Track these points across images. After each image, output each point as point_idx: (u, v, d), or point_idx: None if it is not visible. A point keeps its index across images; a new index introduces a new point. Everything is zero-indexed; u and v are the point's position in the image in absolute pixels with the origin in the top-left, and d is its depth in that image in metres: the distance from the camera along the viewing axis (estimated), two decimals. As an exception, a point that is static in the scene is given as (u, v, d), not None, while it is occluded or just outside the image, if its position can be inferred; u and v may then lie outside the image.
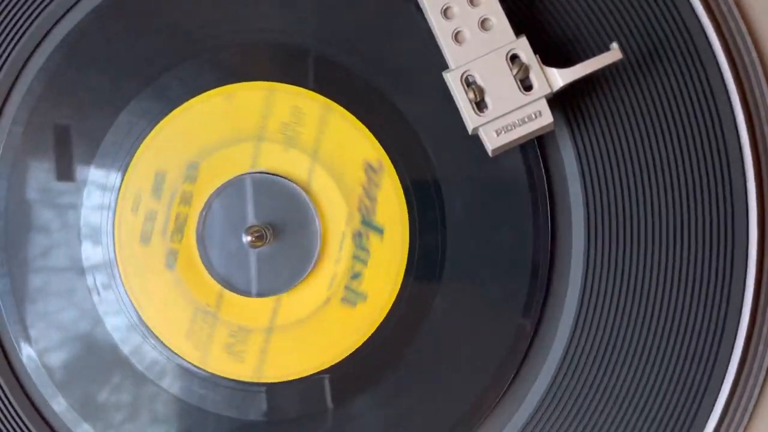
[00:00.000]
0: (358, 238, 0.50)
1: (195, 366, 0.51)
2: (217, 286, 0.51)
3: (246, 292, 0.51)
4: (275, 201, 0.51)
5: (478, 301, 0.51)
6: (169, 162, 0.51)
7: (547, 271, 0.51)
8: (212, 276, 0.51)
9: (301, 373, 0.51)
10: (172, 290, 0.51)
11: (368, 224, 0.50)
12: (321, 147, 0.51)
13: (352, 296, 0.51)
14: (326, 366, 0.51)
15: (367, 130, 0.50)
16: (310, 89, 0.51)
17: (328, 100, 0.51)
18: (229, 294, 0.51)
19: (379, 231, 0.51)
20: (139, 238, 0.51)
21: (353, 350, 0.51)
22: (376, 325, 0.51)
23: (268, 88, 0.51)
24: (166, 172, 0.51)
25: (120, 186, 0.51)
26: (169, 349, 0.51)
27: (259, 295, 0.51)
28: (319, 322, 0.51)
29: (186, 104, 0.51)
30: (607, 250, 0.50)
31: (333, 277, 0.51)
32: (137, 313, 0.51)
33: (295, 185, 0.51)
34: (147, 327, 0.51)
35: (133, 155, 0.51)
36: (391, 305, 0.51)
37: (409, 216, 0.51)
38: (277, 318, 0.51)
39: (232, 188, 0.51)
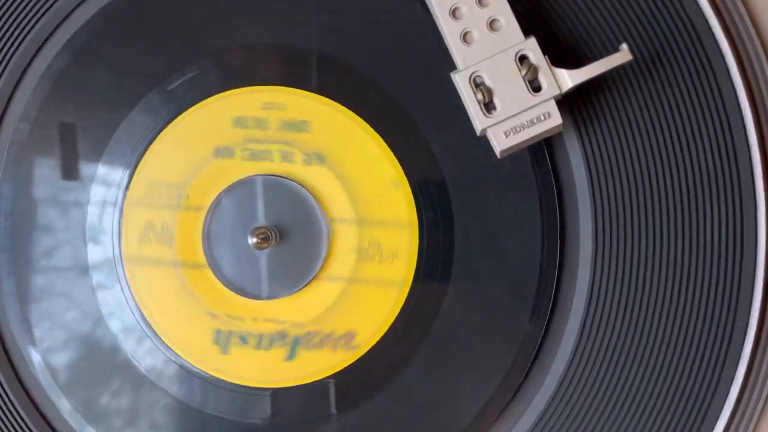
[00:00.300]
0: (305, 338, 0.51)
1: (198, 368, 0.51)
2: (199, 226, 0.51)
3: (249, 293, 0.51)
4: (283, 204, 0.51)
5: (486, 306, 0.51)
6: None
7: (555, 274, 0.51)
8: (216, 275, 0.51)
9: (306, 379, 0.51)
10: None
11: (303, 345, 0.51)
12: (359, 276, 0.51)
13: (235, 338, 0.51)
14: (332, 372, 0.51)
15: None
16: (315, 92, 0.51)
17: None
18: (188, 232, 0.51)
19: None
20: (236, 120, 0.51)
21: (359, 356, 0.51)
22: (384, 331, 0.51)
23: (411, 225, 0.50)
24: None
25: (128, 184, 0.51)
26: (173, 350, 0.51)
27: (268, 296, 0.51)
28: (192, 323, 0.51)
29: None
30: (615, 252, 0.50)
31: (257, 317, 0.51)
32: (141, 313, 0.51)
33: (318, 209, 0.51)
34: (151, 328, 0.51)
35: (144, 151, 0.51)
36: (398, 311, 0.50)
37: (416, 210, 0.51)
38: (188, 278, 0.51)
39: (242, 188, 0.51)
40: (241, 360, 0.51)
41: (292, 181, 0.51)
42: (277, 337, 0.51)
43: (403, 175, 0.51)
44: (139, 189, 0.51)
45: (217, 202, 0.51)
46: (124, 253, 0.51)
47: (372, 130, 0.51)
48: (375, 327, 0.51)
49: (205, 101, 0.51)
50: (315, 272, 0.50)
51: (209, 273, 0.51)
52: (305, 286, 0.51)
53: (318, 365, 0.51)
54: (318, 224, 0.51)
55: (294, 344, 0.51)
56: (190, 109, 0.51)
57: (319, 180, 0.51)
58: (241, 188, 0.51)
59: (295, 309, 0.51)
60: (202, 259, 0.51)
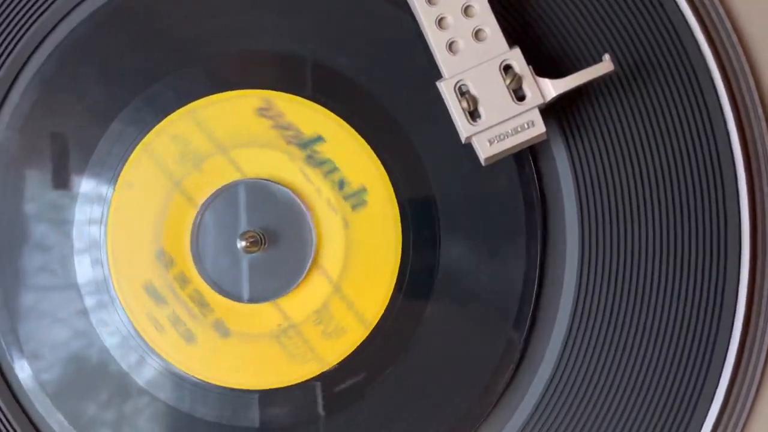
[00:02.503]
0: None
1: (189, 374, 0.51)
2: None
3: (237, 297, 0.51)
4: (271, 211, 0.51)
5: (470, 314, 0.51)
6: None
7: (537, 283, 0.51)
8: (204, 279, 0.51)
9: (293, 381, 0.51)
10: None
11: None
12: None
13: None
14: (318, 373, 0.51)
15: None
16: (306, 98, 0.51)
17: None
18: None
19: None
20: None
21: (344, 358, 0.51)
22: (366, 335, 0.51)
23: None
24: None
25: (112, 194, 0.52)
26: (164, 359, 0.51)
27: (251, 300, 0.51)
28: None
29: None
30: (601, 260, 0.51)
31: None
32: (132, 324, 0.51)
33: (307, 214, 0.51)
34: (141, 338, 0.51)
35: (125, 162, 0.52)
36: (380, 316, 0.51)
37: (404, 231, 0.51)
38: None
39: (228, 193, 0.51)
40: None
41: (278, 183, 0.51)
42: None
43: (386, 175, 0.51)
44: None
45: (200, 215, 0.51)
46: (111, 265, 0.52)
47: (359, 136, 0.51)
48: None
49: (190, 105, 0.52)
50: (306, 268, 0.51)
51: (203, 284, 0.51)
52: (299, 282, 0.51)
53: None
54: (303, 219, 0.51)
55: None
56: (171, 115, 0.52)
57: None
58: (223, 197, 0.51)
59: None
60: (195, 273, 0.51)
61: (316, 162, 0.51)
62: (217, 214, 0.51)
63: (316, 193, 0.51)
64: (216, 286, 0.51)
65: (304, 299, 0.51)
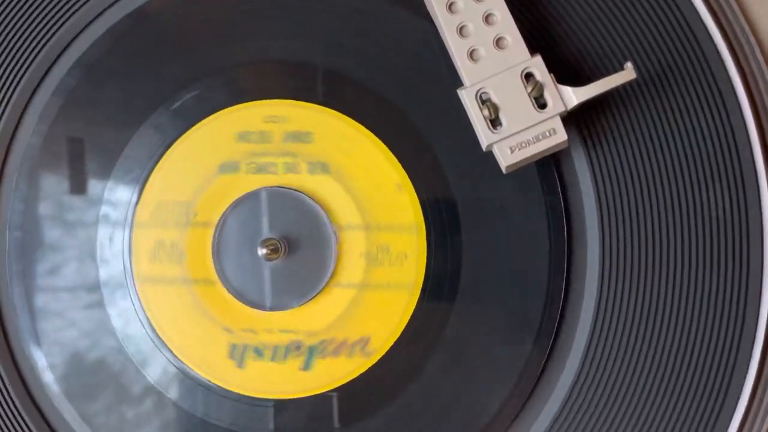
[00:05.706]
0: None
1: (206, 379, 0.51)
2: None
3: (259, 305, 0.51)
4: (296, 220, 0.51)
5: (491, 324, 0.51)
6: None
7: (561, 293, 0.51)
8: (226, 287, 0.51)
9: (310, 391, 0.51)
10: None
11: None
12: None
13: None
14: (336, 385, 0.51)
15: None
16: (320, 103, 0.52)
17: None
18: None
19: None
20: (239, 135, 0.52)
21: (364, 371, 0.51)
22: (389, 346, 0.51)
23: (418, 229, 0.51)
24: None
25: (138, 201, 0.52)
26: (182, 361, 0.51)
27: (272, 309, 0.51)
28: (206, 338, 0.51)
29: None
30: (622, 270, 0.51)
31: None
32: (153, 329, 0.52)
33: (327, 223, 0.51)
34: (161, 340, 0.51)
35: (152, 169, 0.52)
36: (403, 328, 0.51)
37: (427, 239, 0.51)
38: (200, 295, 0.51)
39: (249, 201, 0.51)
40: (258, 373, 0.51)
41: (298, 191, 0.51)
42: (292, 347, 0.51)
43: (410, 183, 0.51)
44: (148, 207, 0.52)
45: (224, 217, 0.51)
46: (135, 272, 0.52)
47: (378, 140, 0.51)
48: (387, 332, 0.51)
49: (209, 117, 0.52)
50: (325, 280, 0.51)
51: (221, 288, 0.51)
52: (317, 294, 0.51)
53: (334, 373, 0.51)
54: (326, 232, 0.51)
55: (309, 354, 0.51)
56: (195, 126, 0.52)
57: (325, 189, 0.51)
58: (248, 202, 0.51)
59: (307, 318, 0.51)
60: (213, 275, 0.51)
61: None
62: (239, 220, 0.51)
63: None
64: (237, 294, 0.51)
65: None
